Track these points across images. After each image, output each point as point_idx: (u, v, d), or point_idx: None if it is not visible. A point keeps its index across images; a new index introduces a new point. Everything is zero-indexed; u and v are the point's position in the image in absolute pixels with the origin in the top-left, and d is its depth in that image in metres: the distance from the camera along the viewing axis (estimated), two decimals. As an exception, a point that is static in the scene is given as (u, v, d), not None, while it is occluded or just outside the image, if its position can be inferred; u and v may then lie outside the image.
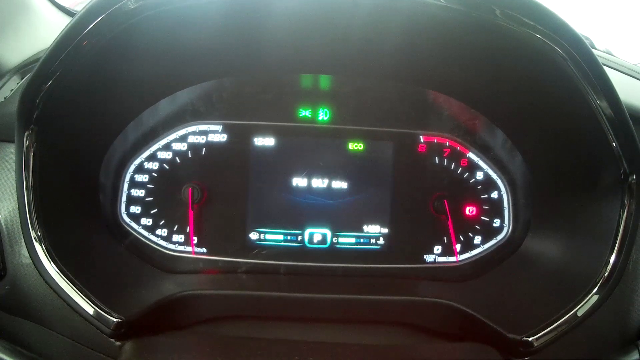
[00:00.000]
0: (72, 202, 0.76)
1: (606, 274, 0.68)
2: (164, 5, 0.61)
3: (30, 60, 0.98)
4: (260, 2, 0.64)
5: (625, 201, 0.67)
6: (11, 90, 0.86)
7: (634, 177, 0.66)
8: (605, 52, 1.16)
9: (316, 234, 0.85)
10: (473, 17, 0.60)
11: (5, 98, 0.84)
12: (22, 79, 0.91)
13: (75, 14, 1.12)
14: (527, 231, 0.87)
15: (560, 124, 0.74)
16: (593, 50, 1.09)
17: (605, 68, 0.99)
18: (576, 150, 0.74)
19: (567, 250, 0.79)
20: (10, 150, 0.75)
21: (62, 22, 1.12)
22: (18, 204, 0.66)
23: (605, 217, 0.70)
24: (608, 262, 0.68)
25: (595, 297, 0.68)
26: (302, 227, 0.85)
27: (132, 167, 0.86)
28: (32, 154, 0.66)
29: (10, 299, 0.75)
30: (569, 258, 0.78)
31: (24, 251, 0.70)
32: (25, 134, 0.65)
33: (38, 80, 0.63)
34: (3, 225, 0.73)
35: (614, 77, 1.01)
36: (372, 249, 0.86)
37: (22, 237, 0.67)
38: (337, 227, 0.85)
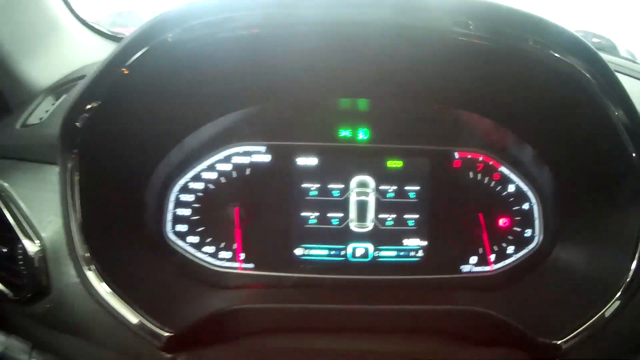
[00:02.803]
0: (117, 222, 0.79)
1: (628, 280, 0.72)
2: (202, 39, 0.64)
3: (63, 80, 0.99)
4: (297, 33, 0.67)
5: None
6: (46, 112, 0.88)
7: None
8: (628, 59, 1.16)
9: (359, 248, 0.89)
10: (502, 44, 0.64)
11: (40, 119, 0.86)
12: (56, 99, 0.92)
13: (102, 32, 1.15)
14: (556, 240, 0.91)
15: (584, 138, 0.78)
16: (615, 58, 1.13)
17: (628, 78, 1.05)
18: (599, 162, 0.78)
19: (592, 258, 0.83)
20: (51, 171, 0.76)
21: (90, 41, 1.14)
22: (64, 225, 0.69)
23: (627, 226, 0.74)
24: (630, 269, 0.72)
25: (618, 302, 0.72)
26: (345, 242, 0.89)
27: (176, 187, 0.89)
28: (76, 177, 0.68)
29: (54, 316, 0.77)
30: (594, 265, 0.82)
31: (70, 270, 0.71)
32: (69, 157, 0.68)
33: (80, 105, 0.66)
34: (47, 245, 0.75)
35: (635, 86, 1.05)
36: (412, 261, 0.90)
37: (68, 257, 0.70)
38: (379, 241, 0.89)
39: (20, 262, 0.74)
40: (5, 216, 0.76)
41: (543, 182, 0.92)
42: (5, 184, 0.79)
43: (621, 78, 1.05)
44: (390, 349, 0.80)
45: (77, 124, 0.66)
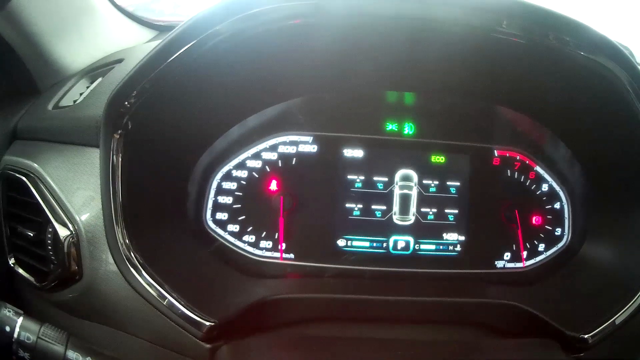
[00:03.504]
0: (157, 208, 0.78)
1: None
2: (253, 29, 0.65)
3: (98, 64, 0.98)
4: (347, 25, 0.68)
5: None
6: (80, 94, 0.86)
7: None
8: None
9: (400, 241, 0.90)
10: (538, 43, 0.67)
11: (74, 101, 0.84)
12: (91, 82, 0.91)
13: (136, 17, 1.13)
14: (584, 239, 0.94)
15: (615, 139, 0.81)
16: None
17: None
18: (630, 162, 0.82)
19: (619, 256, 0.87)
20: (88, 154, 0.75)
21: (124, 25, 1.12)
22: (103, 210, 0.68)
23: None
24: None
25: None
26: (387, 235, 0.90)
27: (219, 175, 0.88)
28: (119, 160, 0.67)
29: (83, 304, 0.75)
30: (621, 263, 0.86)
31: (106, 256, 0.70)
32: (112, 140, 0.67)
33: (128, 87, 0.65)
34: (83, 229, 0.72)
35: None
36: (450, 255, 0.92)
37: (105, 243, 0.68)
38: (420, 235, 0.91)
39: (49, 247, 0.72)
40: (34, 199, 0.74)
41: (574, 181, 0.95)
42: (35, 165, 0.77)
43: None
44: (425, 338, 0.82)
45: (124, 104, 0.66)
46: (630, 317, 0.75)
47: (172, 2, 1.31)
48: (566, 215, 0.96)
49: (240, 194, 0.88)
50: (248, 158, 0.88)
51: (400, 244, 0.90)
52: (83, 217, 0.72)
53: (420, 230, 0.90)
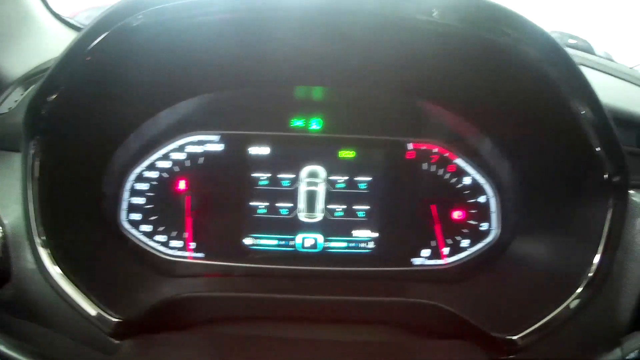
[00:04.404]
0: (75, 209, 0.79)
1: (591, 275, 0.70)
2: (167, 23, 0.65)
3: (33, 72, 1.01)
4: (256, 19, 0.67)
5: (610, 202, 0.69)
6: (15, 102, 0.89)
7: (618, 178, 0.68)
8: (604, 58, 1.17)
9: (308, 239, 0.89)
10: (464, 32, 0.63)
11: (9, 109, 0.87)
12: (25, 90, 0.94)
13: (75, 26, 1.17)
14: (515, 234, 0.89)
15: (546, 131, 0.77)
16: (591, 55, 1.12)
17: (601, 74, 1.04)
18: (561, 154, 0.77)
19: (553, 252, 0.81)
20: (16, 159, 0.76)
21: (63, 34, 1.15)
22: (23, 210, 0.70)
23: (591, 219, 0.72)
24: (593, 263, 0.70)
25: (580, 298, 0.70)
26: (294, 232, 0.89)
27: (132, 176, 0.90)
28: (37, 162, 0.69)
29: (15, 302, 0.77)
30: (556, 260, 0.80)
31: (29, 256, 0.72)
32: (31, 144, 0.68)
33: (44, 92, 0.67)
34: (9, 231, 0.75)
35: (609, 82, 1.05)
36: (362, 252, 0.89)
37: (27, 243, 0.70)
38: (329, 232, 0.89)
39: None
40: None
41: (502, 174, 0.90)
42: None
43: (597, 75, 1.06)
44: (342, 338, 0.79)
45: (41, 108, 0.67)
46: (566, 318, 0.71)
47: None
48: (493, 209, 0.92)
49: (152, 194, 0.90)
50: (159, 159, 0.90)
51: (309, 242, 0.88)
52: (11, 219, 0.76)
53: (328, 227, 0.88)
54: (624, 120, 0.86)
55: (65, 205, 0.77)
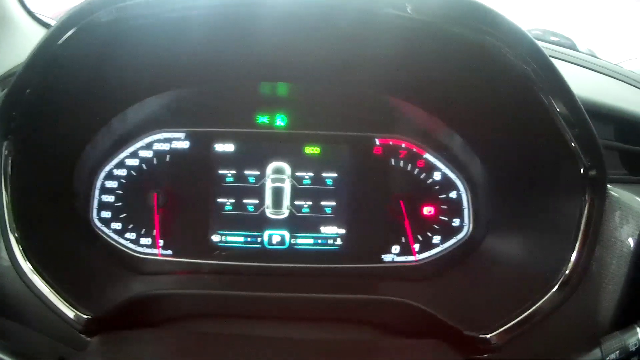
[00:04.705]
0: (47, 207, 0.80)
1: (567, 272, 0.68)
2: (135, 19, 0.64)
3: (8, 73, 1.02)
4: (223, 16, 0.67)
5: (587, 197, 0.67)
6: None
7: (595, 172, 0.66)
8: (587, 54, 1.16)
9: (275, 236, 0.88)
10: (423, 23, 0.62)
11: None
12: (2, 90, 0.96)
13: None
14: (488, 230, 0.88)
15: (518, 127, 0.75)
16: (573, 51, 1.10)
17: (584, 70, 1.02)
18: (535, 149, 0.75)
19: (528, 249, 0.79)
20: None
21: (41, 35, 1.17)
22: None
23: (567, 215, 0.70)
24: (569, 260, 0.68)
25: (557, 296, 0.68)
26: (261, 229, 0.88)
27: (102, 174, 0.90)
28: (10, 161, 0.70)
29: None
30: (531, 256, 0.78)
31: (3, 253, 0.73)
32: (4, 144, 0.69)
33: (14, 93, 0.67)
34: None
35: (591, 78, 1.03)
36: (330, 249, 0.89)
37: (1, 239, 0.71)
38: (295, 229, 0.88)
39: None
40: None
41: (473, 170, 0.88)
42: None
43: (579, 71, 1.04)
44: (311, 336, 0.79)
45: (12, 112, 0.68)
46: (543, 316, 0.69)
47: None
48: (465, 204, 0.90)
49: (121, 192, 0.90)
50: (127, 157, 0.90)
51: (275, 239, 0.88)
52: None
53: (295, 224, 0.88)
54: (604, 115, 0.84)
55: (38, 203, 0.78)
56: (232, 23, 0.68)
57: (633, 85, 1.05)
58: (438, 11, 0.61)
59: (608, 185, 0.71)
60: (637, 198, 0.75)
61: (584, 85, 1.01)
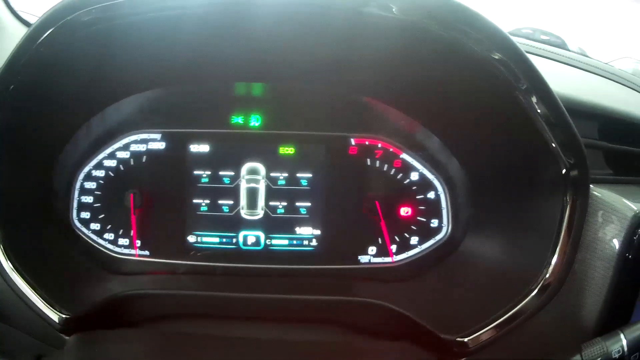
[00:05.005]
0: (28, 207, 0.82)
1: (548, 275, 0.67)
2: (114, 20, 0.64)
3: None
4: (199, 16, 0.66)
5: (568, 198, 0.66)
6: None
7: (576, 172, 0.64)
8: (578, 53, 1.16)
9: (250, 236, 0.88)
10: (402, 22, 0.61)
11: None
12: None
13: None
14: (467, 231, 0.86)
15: (497, 127, 0.73)
16: (563, 50, 1.09)
17: (573, 69, 1.00)
18: (514, 149, 0.73)
19: (508, 250, 0.78)
20: None
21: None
22: None
23: (548, 216, 0.69)
24: (550, 263, 0.67)
25: (536, 299, 0.67)
26: (236, 230, 0.88)
27: (81, 175, 0.91)
28: None
29: None
30: (511, 258, 0.77)
31: None
32: None
33: None
34: None
35: (579, 76, 1.01)
36: (306, 250, 0.88)
37: None
38: (270, 229, 0.88)
39: None
40: None
41: (451, 170, 0.87)
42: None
43: (570, 70, 1.02)
44: (286, 337, 0.79)
45: None
46: (522, 319, 0.68)
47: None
48: (443, 205, 0.89)
49: (99, 193, 0.91)
50: (105, 158, 0.90)
51: (251, 239, 0.88)
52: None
53: (270, 224, 0.87)
54: (594, 114, 0.83)
55: (19, 203, 0.79)
56: (209, 24, 0.68)
57: (623, 85, 1.03)
58: (412, 9, 0.59)
59: (592, 186, 0.70)
60: (623, 199, 0.73)
61: (574, 84, 0.99)
